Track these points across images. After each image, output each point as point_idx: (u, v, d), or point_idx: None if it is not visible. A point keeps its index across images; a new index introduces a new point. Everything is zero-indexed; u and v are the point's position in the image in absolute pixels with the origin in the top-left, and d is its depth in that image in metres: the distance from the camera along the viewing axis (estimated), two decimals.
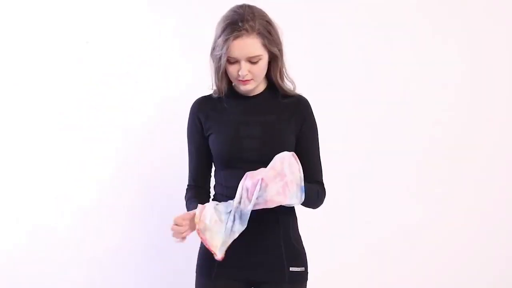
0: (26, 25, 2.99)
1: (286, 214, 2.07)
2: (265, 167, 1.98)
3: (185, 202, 2.15)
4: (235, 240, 1.96)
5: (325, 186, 2.16)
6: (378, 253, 3.21)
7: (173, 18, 3.06)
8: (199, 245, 2.19)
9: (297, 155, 2.12)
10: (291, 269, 2.08)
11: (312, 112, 2.14)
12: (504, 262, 3.31)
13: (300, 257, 2.10)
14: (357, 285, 3.22)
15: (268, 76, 2.10)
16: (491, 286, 3.30)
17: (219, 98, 2.10)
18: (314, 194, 2.06)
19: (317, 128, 2.16)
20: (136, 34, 3.04)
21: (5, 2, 2.98)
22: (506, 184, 3.30)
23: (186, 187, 2.20)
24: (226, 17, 1.99)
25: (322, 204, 2.15)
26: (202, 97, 2.15)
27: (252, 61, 1.99)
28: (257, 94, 2.11)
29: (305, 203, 2.02)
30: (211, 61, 2.04)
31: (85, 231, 3.05)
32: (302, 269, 2.10)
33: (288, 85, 2.12)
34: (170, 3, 3.05)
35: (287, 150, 2.06)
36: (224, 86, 2.07)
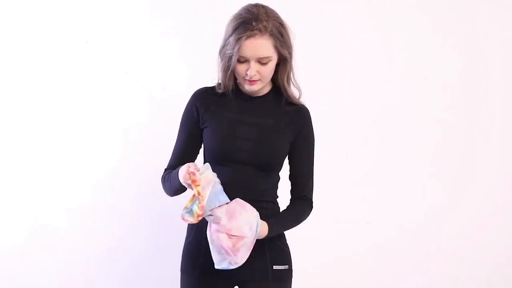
0: (26, 25, 3.00)
1: (268, 213, 2.05)
2: (253, 170, 2.01)
3: (163, 181, 2.09)
4: None
5: (312, 202, 2.14)
6: (377, 253, 3.21)
7: (173, 18, 3.06)
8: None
9: (289, 165, 2.13)
10: (275, 267, 2.06)
11: (311, 124, 2.12)
12: (505, 262, 3.31)
13: (283, 255, 2.09)
14: (352, 284, 3.22)
15: (274, 79, 2.08)
16: (491, 286, 3.30)
17: (223, 93, 2.08)
18: (287, 225, 2.07)
19: (313, 142, 2.13)
20: (136, 34, 3.04)
21: (5, 2, 2.98)
22: (509, 185, 3.30)
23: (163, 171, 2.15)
24: (238, 16, 1.96)
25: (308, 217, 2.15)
26: (205, 88, 2.12)
27: (262, 61, 1.96)
28: (261, 96, 2.09)
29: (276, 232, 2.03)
30: (219, 58, 2.02)
31: (84, 231, 3.05)
32: (286, 267, 2.09)
33: (294, 91, 2.10)
34: (171, 3, 3.05)
35: (280, 156, 2.06)
36: (231, 84, 2.05)
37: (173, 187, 2.03)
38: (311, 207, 2.15)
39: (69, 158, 3.04)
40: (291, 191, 2.14)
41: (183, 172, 1.89)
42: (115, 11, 3.03)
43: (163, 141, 2.98)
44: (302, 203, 2.12)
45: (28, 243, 3.03)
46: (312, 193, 2.14)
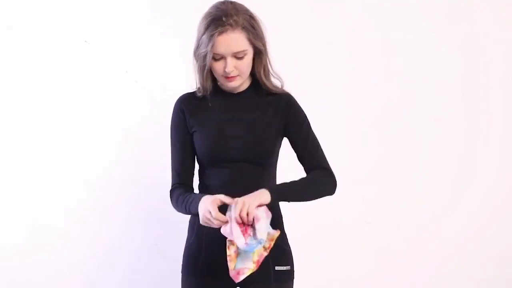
0: (25, 25, 2.99)
1: (269, 206, 2.04)
2: (249, 166, 2.00)
3: (175, 202, 2.07)
4: (220, 240, 1.95)
5: (331, 170, 2.08)
6: (377, 253, 3.21)
7: (173, 18, 3.05)
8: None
9: (293, 148, 2.11)
10: (277, 268, 2.06)
11: (297, 105, 2.10)
12: (505, 262, 3.31)
13: (285, 256, 2.08)
14: (352, 284, 3.22)
15: (252, 73, 2.07)
16: (491, 286, 3.30)
17: (203, 96, 2.08)
18: (298, 188, 2.01)
19: (306, 120, 2.10)
20: (136, 34, 3.04)
21: (4, 1, 2.98)
22: (509, 185, 3.29)
23: (169, 189, 2.14)
24: (208, 14, 1.97)
25: (334, 190, 2.09)
26: (186, 94, 2.12)
27: (237, 56, 1.96)
28: (241, 92, 2.08)
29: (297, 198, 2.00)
30: (195, 60, 2.03)
31: (84, 231, 3.05)
32: (288, 267, 2.08)
33: (274, 82, 2.09)
34: (170, 3, 3.05)
35: (272, 147, 2.05)
36: (209, 84, 2.05)
37: (189, 213, 2.02)
38: (331, 174, 2.08)
39: (69, 158, 3.04)
40: (304, 170, 2.10)
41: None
42: (114, 11, 3.03)
43: (163, 141, 2.98)
44: (316, 171, 2.07)
45: (28, 243, 3.02)
46: (327, 162, 2.09)
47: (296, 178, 2.03)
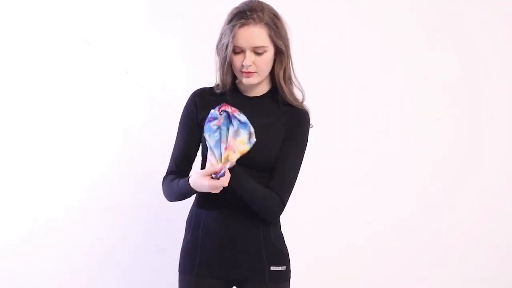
0: (26, 25, 3.00)
1: None
2: (251, 170, 1.99)
3: (168, 185, 2.06)
4: (216, 238, 1.98)
5: (283, 203, 2.02)
6: (376, 253, 3.21)
7: (172, 18, 3.06)
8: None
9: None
10: (272, 268, 2.05)
11: (306, 127, 2.07)
12: (504, 261, 3.31)
13: (281, 256, 2.08)
14: (352, 284, 3.22)
15: (272, 78, 2.07)
16: (491, 286, 3.31)
17: (221, 94, 2.08)
18: (250, 190, 1.98)
19: (302, 144, 2.06)
20: (136, 33, 3.04)
21: (4, 1, 2.98)
22: (509, 185, 3.30)
23: (163, 176, 2.12)
24: (235, 8, 2.00)
25: (271, 216, 2.04)
26: (203, 88, 2.12)
27: (257, 51, 1.97)
28: (259, 96, 2.08)
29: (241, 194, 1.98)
30: (217, 53, 2.03)
31: (84, 231, 3.05)
32: (284, 268, 2.08)
33: (296, 92, 2.08)
34: (170, 3, 3.05)
35: (275, 156, 2.03)
36: (229, 79, 2.05)
37: (182, 192, 2.02)
38: (279, 203, 2.02)
39: (69, 158, 3.04)
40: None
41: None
42: (115, 11, 3.03)
43: (163, 141, 2.99)
44: (271, 191, 2.01)
45: (28, 243, 3.03)
46: (285, 192, 2.03)
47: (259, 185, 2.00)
